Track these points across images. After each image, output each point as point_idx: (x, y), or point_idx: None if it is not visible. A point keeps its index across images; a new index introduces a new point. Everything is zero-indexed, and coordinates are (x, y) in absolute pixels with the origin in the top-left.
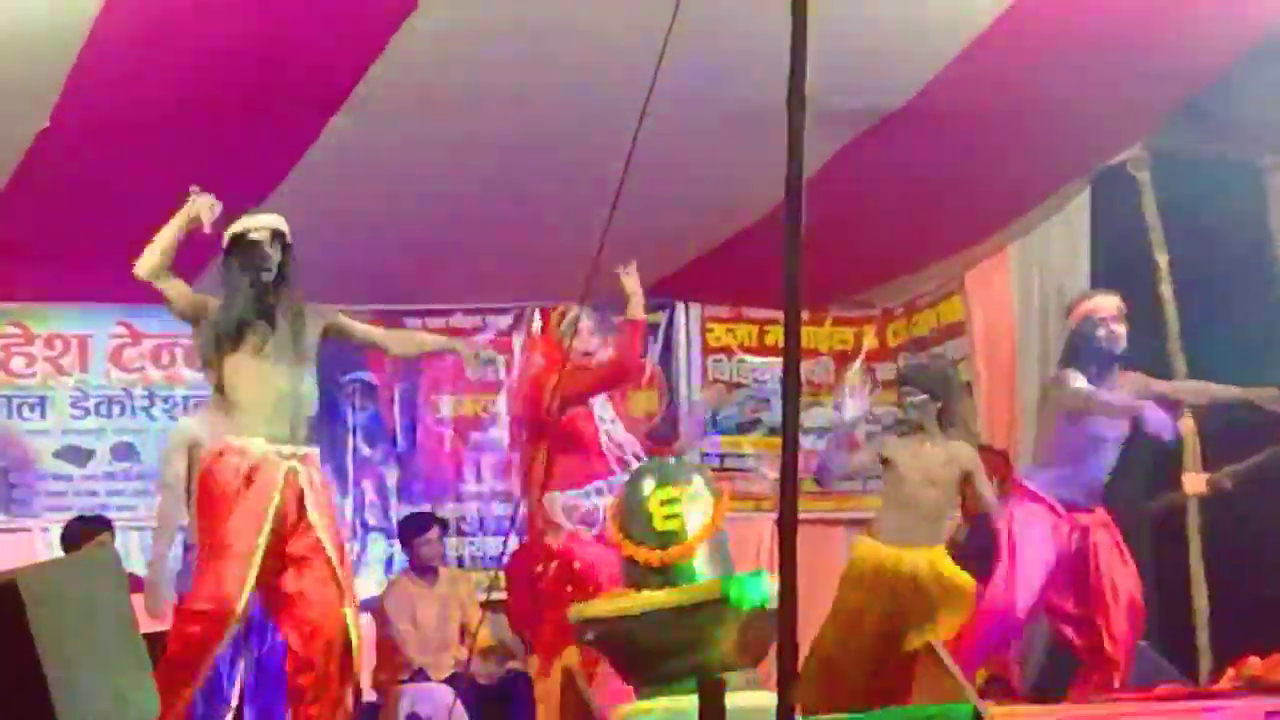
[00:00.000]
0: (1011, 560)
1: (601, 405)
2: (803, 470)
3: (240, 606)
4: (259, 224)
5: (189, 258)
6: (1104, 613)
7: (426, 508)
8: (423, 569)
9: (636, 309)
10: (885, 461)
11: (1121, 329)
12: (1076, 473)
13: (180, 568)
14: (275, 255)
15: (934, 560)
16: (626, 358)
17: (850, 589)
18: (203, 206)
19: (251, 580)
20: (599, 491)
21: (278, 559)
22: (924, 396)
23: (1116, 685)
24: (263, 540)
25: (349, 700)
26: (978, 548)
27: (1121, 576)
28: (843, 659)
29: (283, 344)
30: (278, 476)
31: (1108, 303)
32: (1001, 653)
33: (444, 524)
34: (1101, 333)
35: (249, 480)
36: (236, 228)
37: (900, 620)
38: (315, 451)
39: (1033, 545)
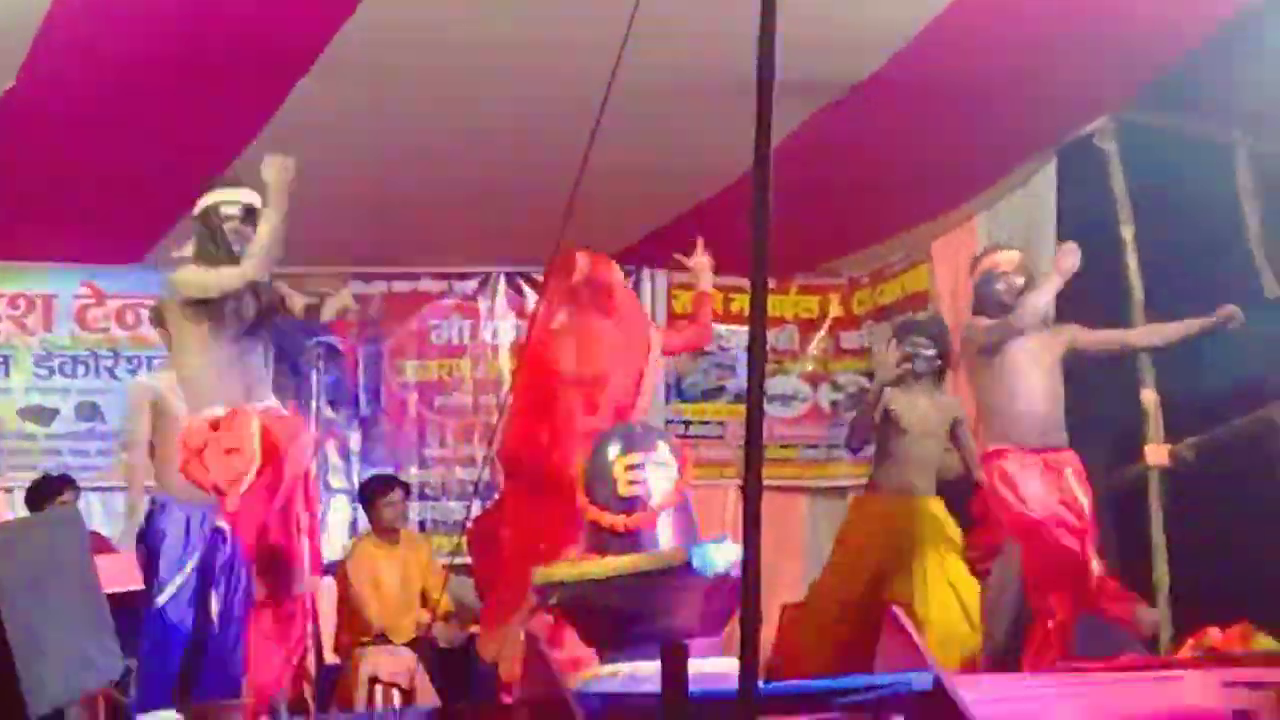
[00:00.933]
0: (999, 499)
1: None
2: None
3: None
4: (231, 198)
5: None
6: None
7: (390, 471)
8: (385, 531)
9: (707, 282)
10: (886, 415)
11: (1019, 279)
12: (1021, 411)
13: (147, 520)
14: (249, 231)
15: (934, 511)
16: (705, 326)
17: (850, 534)
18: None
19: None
20: None
21: (268, 516)
22: (933, 351)
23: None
24: (254, 468)
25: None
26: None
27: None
28: (833, 608)
29: (243, 316)
30: (251, 425)
31: (1005, 257)
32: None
33: (406, 487)
34: (1000, 286)
35: (215, 427)
36: (209, 200)
37: (891, 567)
38: (275, 406)
39: (1014, 480)
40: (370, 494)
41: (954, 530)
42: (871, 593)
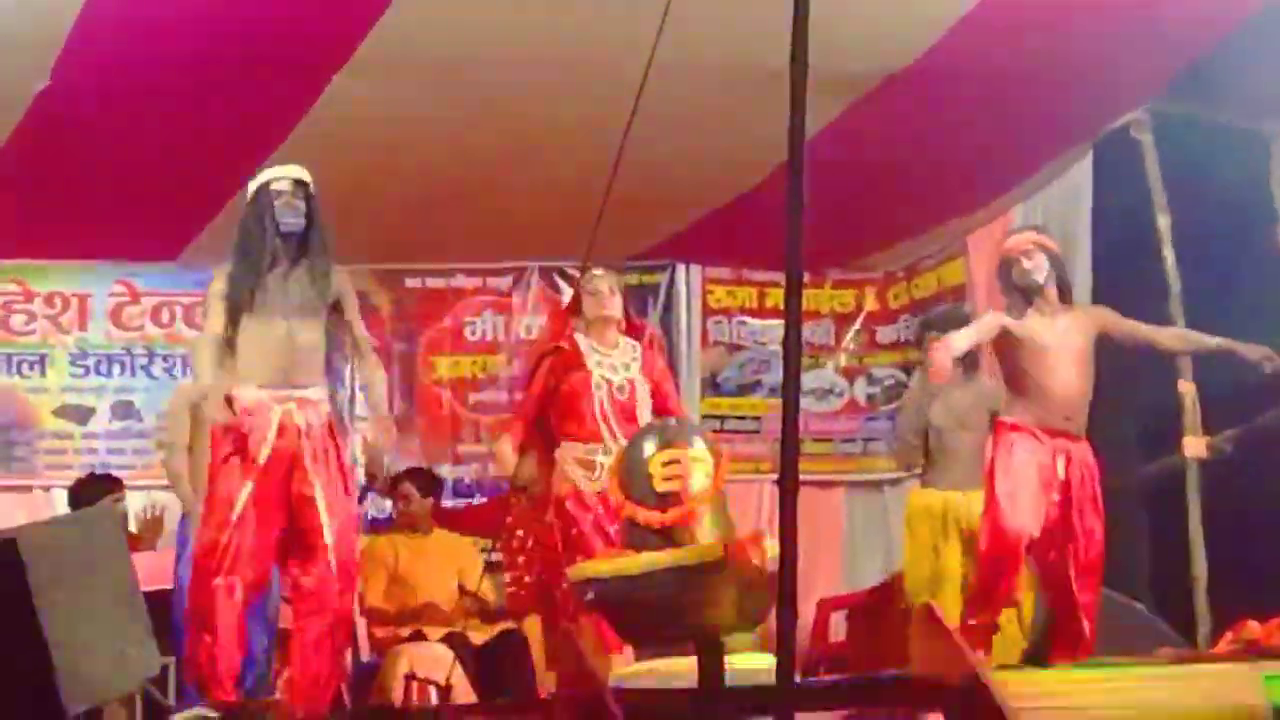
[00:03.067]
0: (991, 487)
1: (602, 362)
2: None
3: (233, 552)
4: (281, 174)
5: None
6: (1069, 548)
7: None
8: (413, 525)
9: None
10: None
11: (1039, 258)
12: (1045, 388)
13: (179, 523)
14: (300, 204)
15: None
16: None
17: (918, 526)
18: None
19: (238, 516)
20: (607, 452)
21: (286, 499)
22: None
23: (1086, 633)
24: (251, 483)
25: (345, 652)
26: None
27: (1090, 520)
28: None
29: (294, 296)
30: (272, 419)
31: (1020, 238)
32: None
33: (439, 482)
34: (1017, 269)
35: (236, 427)
36: (260, 178)
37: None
38: (316, 394)
39: (1013, 469)
40: (431, 487)
41: None
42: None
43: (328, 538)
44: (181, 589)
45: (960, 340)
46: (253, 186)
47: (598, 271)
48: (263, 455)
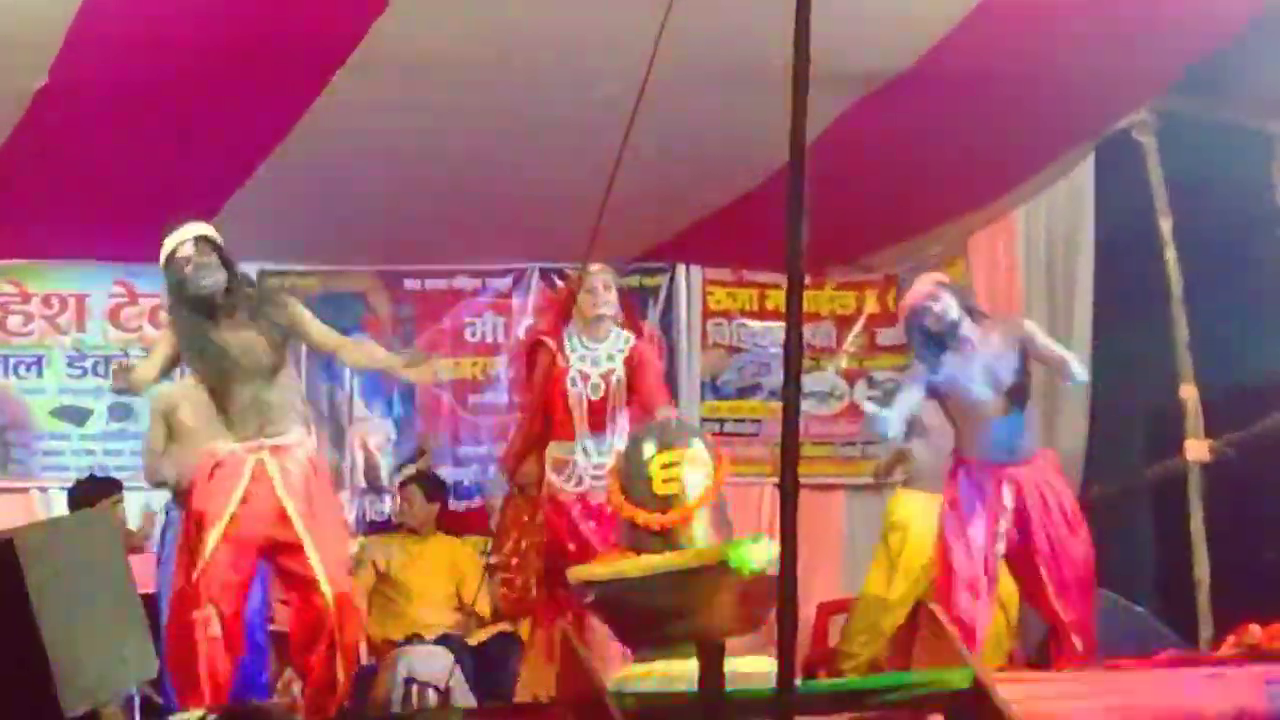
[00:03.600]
0: (942, 523)
1: (584, 357)
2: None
3: (209, 590)
4: (180, 237)
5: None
6: (1041, 570)
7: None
8: (414, 529)
9: None
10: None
11: (946, 298)
12: (974, 430)
13: (161, 529)
14: (210, 260)
15: None
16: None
17: (893, 531)
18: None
19: (213, 557)
20: (584, 452)
21: (266, 545)
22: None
23: (1080, 650)
24: (218, 530)
25: (339, 676)
26: None
27: (1061, 536)
28: (893, 602)
29: (251, 351)
30: (243, 470)
31: (920, 288)
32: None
33: (445, 488)
34: (931, 318)
35: (212, 475)
36: (166, 250)
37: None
38: (293, 439)
39: (958, 507)
40: (440, 493)
41: None
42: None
43: (319, 576)
44: (161, 593)
45: (891, 427)
46: (163, 260)
47: (594, 267)
48: (234, 501)
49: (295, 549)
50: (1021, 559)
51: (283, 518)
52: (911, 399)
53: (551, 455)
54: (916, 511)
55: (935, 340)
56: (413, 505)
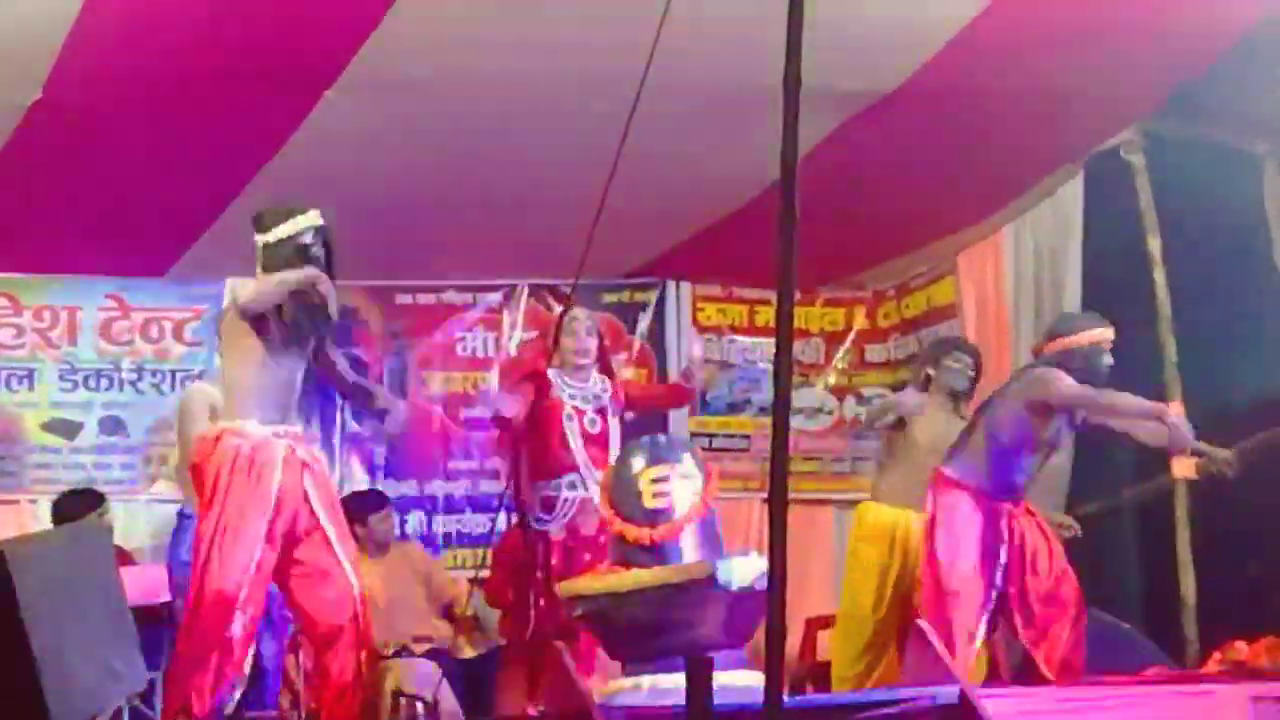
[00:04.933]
0: (932, 546)
1: (575, 395)
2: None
3: (246, 587)
4: (306, 224)
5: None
6: (1028, 596)
7: (414, 484)
8: (376, 546)
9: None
10: (899, 422)
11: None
12: (997, 470)
13: (173, 535)
14: (320, 253)
15: None
16: (683, 395)
17: (865, 546)
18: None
19: (256, 559)
20: (571, 485)
21: (287, 537)
22: (973, 373)
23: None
24: (265, 520)
25: (368, 678)
26: None
27: (1045, 563)
28: (868, 618)
29: (298, 336)
30: (277, 455)
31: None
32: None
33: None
34: (1102, 362)
35: (251, 461)
36: (287, 229)
37: (906, 580)
38: (304, 429)
39: (955, 533)
40: (362, 510)
41: None
42: (897, 606)
43: (346, 566)
44: (177, 600)
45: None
46: (280, 234)
47: (577, 312)
48: (273, 491)
49: (319, 538)
50: (1008, 585)
51: (308, 507)
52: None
53: (540, 494)
54: (884, 524)
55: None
56: (370, 527)
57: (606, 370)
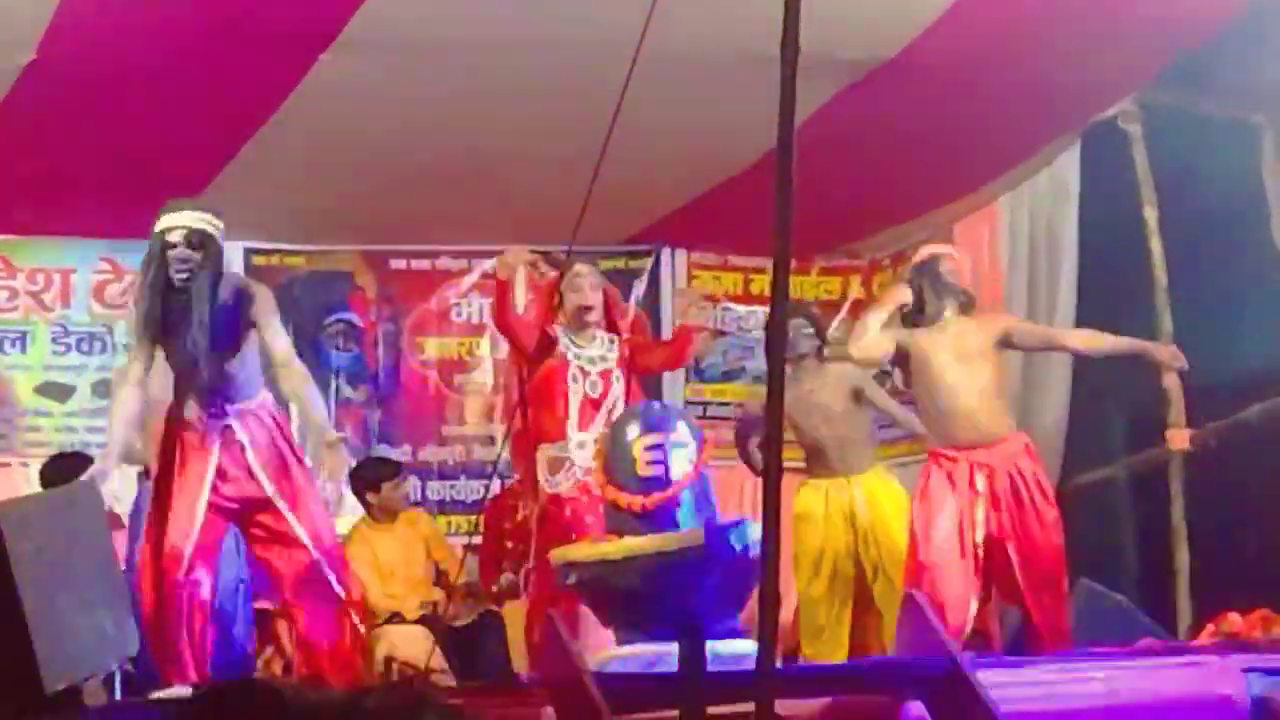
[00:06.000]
0: (912, 518)
1: (579, 355)
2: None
3: (186, 559)
4: (177, 223)
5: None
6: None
7: (407, 449)
8: (385, 513)
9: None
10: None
11: (958, 266)
12: (944, 409)
13: (134, 500)
14: (194, 255)
15: (869, 481)
16: (681, 353)
17: (804, 528)
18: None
19: (198, 526)
20: (580, 445)
21: (239, 510)
22: (811, 329)
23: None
24: (205, 490)
25: (359, 629)
26: None
27: (1029, 520)
28: (822, 601)
29: (200, 341)
30: (214, 435)
31: (942, 247)
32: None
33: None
34: (944, 268)
35: (181, 440)
36: (159, 225)
37: (863, 558)
38: (254, 403)
39: (929, 502)
40: (375, 478)
41: (897, 491)
42: (848, 587)
43: (300, 533)
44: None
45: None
46: (155, 231)
47: (580, 268)
48: (210, 466)
49: (273, 513)
50: (991, 543)
51: (255, 483)
52: (884, 339)
53: (546, 456)
54: (818, 501)
55: (931, 296)
56: (383, 494)
57: (613, 328)
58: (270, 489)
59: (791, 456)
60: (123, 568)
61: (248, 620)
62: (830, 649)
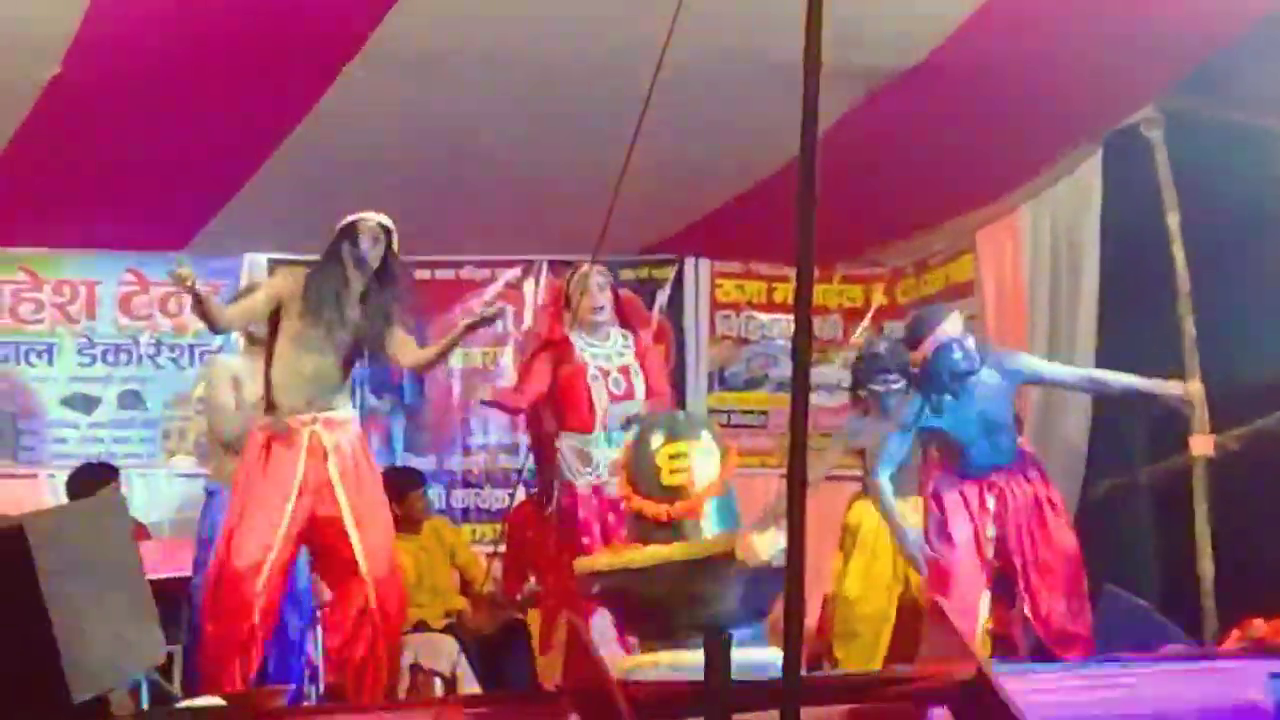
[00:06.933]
0: (925, 525)
1: (597, 355)
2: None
3: (265, 572)
4: (370, 219)
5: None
6: (1020, 563)
7: (432, 459)
8: (411, 523)
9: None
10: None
11: (972, 342)
12: (959, 463)
13: (201, 511)
14: (381, 243)
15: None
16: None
17: (844, 534)
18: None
19: (278, 545)
20: (606, 444)
21: (309, 521)
22: (902, 382)
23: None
24: (290, 505)
25: (385, 658)
26: None
27: (1037, 535)
28: (854, 599)
29: (343, 320)
30: (300, 443)
31: (952, 324)
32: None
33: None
34: (958, 355)
35: (268, 448)
36: (350, 217)
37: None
38: (343, 414)
39: (944, 523)
40: (400, 488)
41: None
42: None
43: (359, 555)
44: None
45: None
46: (342, 223)
47: (587, 269)
48: (296, 479)
49: (337, 527)
50: (1003, 557)
51: (330, 493)
52: (902, 450)
53: (571, 446)
54: (868, 514)
55: (948, 380)
56: (411, 505)
57: (626, 324)
58: (344, 503)
59: (846, 465)
60: (191, 575)
61: (303, 633)
62: (867, 654)
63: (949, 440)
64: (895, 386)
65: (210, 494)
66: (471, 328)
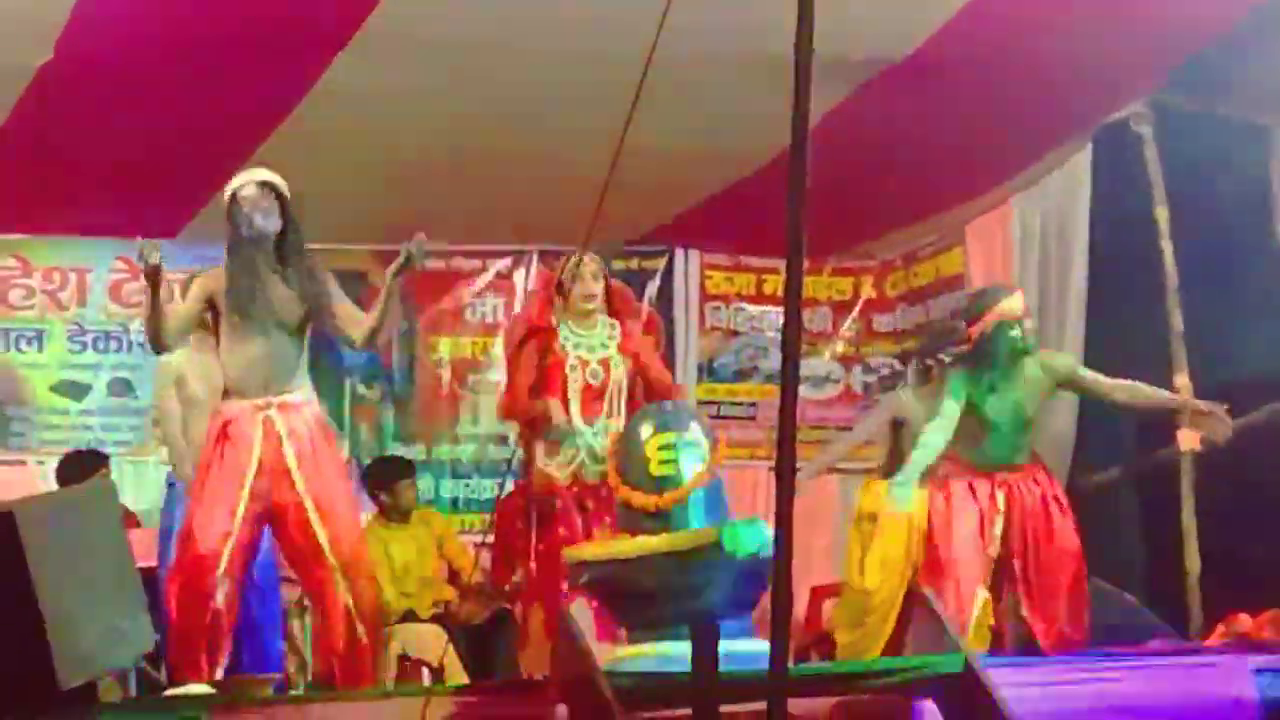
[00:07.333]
0: (929, 526)
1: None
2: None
3: (225, 557)
4: (245, 178)
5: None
6: (1022, 561)
7: (421, 448)
8: (399, 513)
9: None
10: (900, 423)
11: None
12: (979, 445)
13: (163, 503)
14: (271, 205)
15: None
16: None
17: (861, 520)
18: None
19: (236, 530)
20: (580, 435)
21: (269, 507)
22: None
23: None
24: (246, 490)
25: (367, 647)
26: None
27: (1040, 535)
28: (869, 589)
29: (276, 306)
30: (254, 430)
31: (1016, 301)
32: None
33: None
34: (1016, 333)
35: (224, 434)
36: (230, 185)
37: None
38: (299, 397)
39: (949, 515)
40: (389, 477)
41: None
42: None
43: (322, 538)
44: (165, 566)
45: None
46: (226, 193)
47: (583, 258)
48: (252, 464)
49: (299, 513)
50: (1006, 555)
51: (288, 479)
52: (954, 416)
53: (545, 439)
54: (884, 500)
55: (1005, 358)
56: (397, 495)
57: (615, 314)
58: (302, 488)
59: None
60: (156, 565)
61: (275, 613)
62: (870, 642)
63: (978, 424)
64: (954, 351)
65: (171, 485)
66: (398, 273)
